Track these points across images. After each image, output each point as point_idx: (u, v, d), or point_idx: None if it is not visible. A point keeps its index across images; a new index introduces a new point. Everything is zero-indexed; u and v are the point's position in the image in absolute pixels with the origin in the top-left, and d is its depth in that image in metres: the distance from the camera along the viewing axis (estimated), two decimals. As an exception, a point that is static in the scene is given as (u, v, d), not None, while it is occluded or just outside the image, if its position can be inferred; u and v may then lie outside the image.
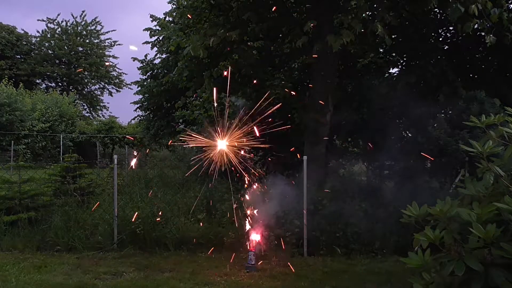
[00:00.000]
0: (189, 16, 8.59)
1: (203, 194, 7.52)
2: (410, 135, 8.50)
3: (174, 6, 14.24)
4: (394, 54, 9.67)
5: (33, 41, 37.05)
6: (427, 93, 8.42)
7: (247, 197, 6.62)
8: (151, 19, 16.50)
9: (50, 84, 37.86)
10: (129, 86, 33.70)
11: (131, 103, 18.85)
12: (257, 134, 5.50)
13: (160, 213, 6.67)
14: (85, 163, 9.53)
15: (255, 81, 8.38)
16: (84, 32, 37.20)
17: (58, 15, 41.80)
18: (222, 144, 5.52)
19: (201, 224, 6.80)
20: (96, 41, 38.11)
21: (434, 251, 2.31)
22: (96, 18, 37.61)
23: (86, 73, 37.37)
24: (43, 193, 7.73)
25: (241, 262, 5.72)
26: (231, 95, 8.31)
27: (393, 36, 7.93)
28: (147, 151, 18.37)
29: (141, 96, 18.14)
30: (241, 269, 5.54)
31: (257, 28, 7.88)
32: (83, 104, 37.85)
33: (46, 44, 36.84)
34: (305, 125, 8.22)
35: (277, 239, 6.15)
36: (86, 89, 39.11)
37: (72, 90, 35.89)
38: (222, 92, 8.20)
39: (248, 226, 6.20)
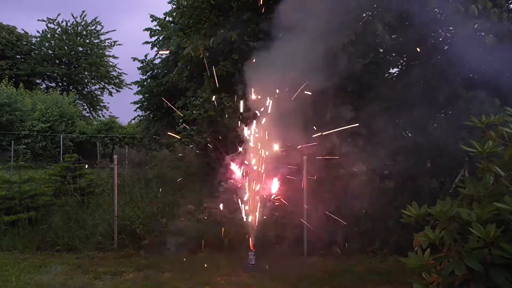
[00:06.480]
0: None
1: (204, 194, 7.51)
2: (410, 135, 8.48)
3: (174, 6, 14.23)
4: (394, 54, 9.64)
5: (33, 41, 37.09)
6: (427, 93, 8.40)
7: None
8: (151, 19, 16.48)
9: (50, 84, 37.90)
10: (129, 86, 33.77)
11: (131, 103, 18.84)
12: None
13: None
14: (85, 163, 9.52)
15: None
16: (84, 32, 37.20)
17: (58, 15, 41.96)
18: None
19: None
20: (96, 41, 38.11)
21: (434, 251, 2.31)
22: (96, 18, 37.70)
23: (86, 73, 37.39)
24: (43, 193, 7.72)
25: (241, 262, 5.71)
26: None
27: (393, 36, 7.92)
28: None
29: (141, 96, 18.14)
30: (241, 269, 5.54)
31: (257, 28, 7.88)
32: (83, 104, 37.86)
33: (46, 44, 36.85)
34: None
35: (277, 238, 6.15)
36: (86, 89, 39.11)
37: (72, 90, 35.91)
38: (222, 92, 8.18)
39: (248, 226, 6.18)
